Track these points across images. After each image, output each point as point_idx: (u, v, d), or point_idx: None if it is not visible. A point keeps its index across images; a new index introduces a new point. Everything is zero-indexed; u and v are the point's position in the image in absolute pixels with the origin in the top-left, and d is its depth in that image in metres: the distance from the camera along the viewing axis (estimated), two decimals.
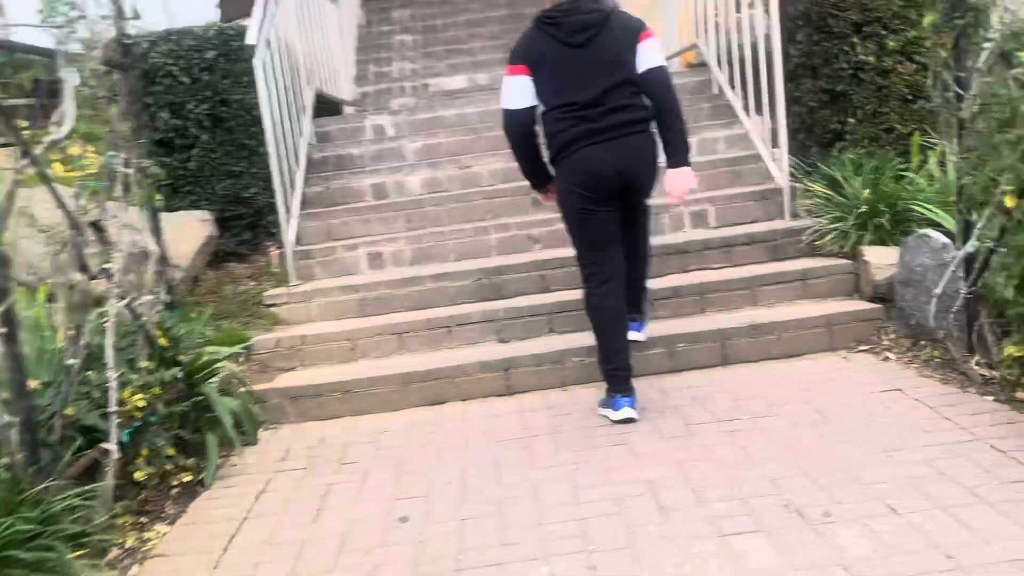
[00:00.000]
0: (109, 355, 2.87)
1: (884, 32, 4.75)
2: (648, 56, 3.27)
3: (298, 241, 4.93)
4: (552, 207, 3.70)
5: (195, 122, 4.75)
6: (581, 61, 3.22)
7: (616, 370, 3.39)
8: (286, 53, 5.28)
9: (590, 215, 3.32)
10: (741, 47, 5.12)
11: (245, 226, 4.96)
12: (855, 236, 4.19)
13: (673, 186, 3.35)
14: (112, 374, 2.85)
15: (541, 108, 3.33)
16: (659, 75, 3.28)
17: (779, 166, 4.73)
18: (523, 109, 3.31)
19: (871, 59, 4.79)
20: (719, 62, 5.57)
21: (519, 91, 3.30)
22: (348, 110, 7.47)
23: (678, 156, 3.33)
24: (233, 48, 4.85)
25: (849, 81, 4.88)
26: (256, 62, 4.53)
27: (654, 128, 3.35)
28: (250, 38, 4.51)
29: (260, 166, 4.93)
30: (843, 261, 4.21)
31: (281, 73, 5.03)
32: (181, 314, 3.97)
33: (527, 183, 3.63)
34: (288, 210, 4.78)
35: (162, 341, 3.23)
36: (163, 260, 3.38)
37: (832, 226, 4.30)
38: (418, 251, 4.87)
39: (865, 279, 4.04)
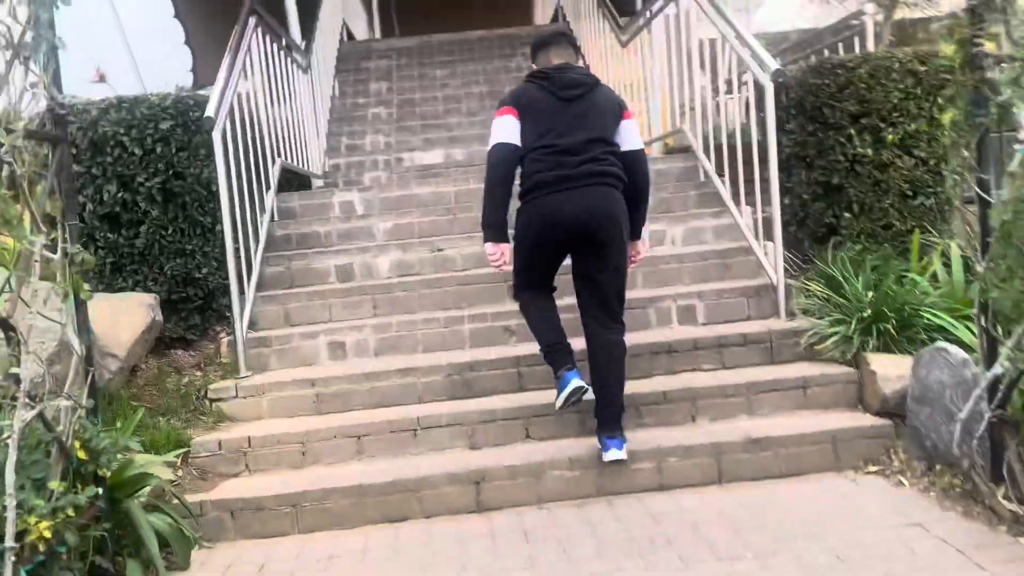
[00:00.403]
0: (9, 478, 2.42)
1: (882, 124, 4.52)
2: (632, 137, 3.51)
3: (252, 326, 4.51)
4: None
5: (146, 196, 4.35)
6: (568, 113, 3.40)
7: (556, 345, 3.51)
8: (251, 124, 4.96)
9: (543, 254, 3.50)
10: (733, 134, 4.88)
11: (194, 309, 4.53)
12: (858, 342, 3.85)
13: (632, 252, 3.67)
14: (11, 501, 2.39)
15: (522, 151, 3.42)
16: (642, 159, 3.53)
17: (772, 262, 4.42)
18: (511, 145, 3.41)
19: (868, 152, 4.56)
20: (706, 148, 5.34)
21: (508, 129, 3.42)
22: (317, 183, 7.14)
23: (638, 231, 3.65)
24: (192, 118, 4.49)
25: (845, 174, 4.64)
26: (215, 135, 4.18)
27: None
28: (209, 109, 4.16)
29: (215, 244, 4.53)
30: (845, 369, 3.86)
31: (243, 146, 4.69)
32: (112, 413, 3.52)
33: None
34: (243, 292, 4.38)
35: (80, 454, 2.77)
36: (88, 359, 2.95)
37: (832, 330, 3.97)
38: (384, 341, 4.47)
39: (871, 390, 3.70)
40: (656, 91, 6.89)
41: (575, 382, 3.38)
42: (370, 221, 5.37)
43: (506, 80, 8.95)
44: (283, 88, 6.03)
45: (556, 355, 3.49)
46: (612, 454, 3.38)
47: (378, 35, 12.14)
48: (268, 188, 5.20)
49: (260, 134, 5.21)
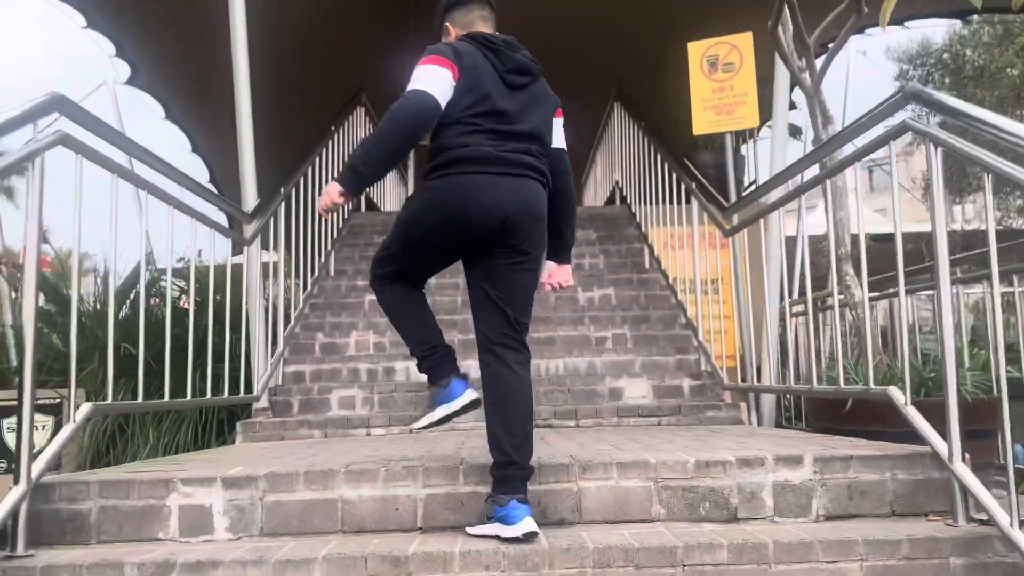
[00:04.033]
0: None
1: None
2: (560, 135, 2.41)
3: None
4: None
5: None
6: (513, 98, 2.25)
7: (439, 347, 2.32)
8: None
9: (444, 243, 2.24)
10: None
11: None
12: None
13: (560, 276, 2.50)
14: None
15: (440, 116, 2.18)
16: (566, 156, 2.42)
17: None
18: (436, 103, 2.14)
19: None
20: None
21: (440, 83, 2.15)
22: (260, 405, 4.00)
23: (566, 252, 2.49)
24: None
25: None
26: None
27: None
28: None
29: None
30: None
31: None
32: None
33: None
34: None
35: None
36: None
37: None
38: None
39: None
40: (772, 300, 3.78)
41: (469, 393, 2.26)
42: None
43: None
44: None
45: (441, 359, 2.30)
46: (525, 524, 1.99)
47: None
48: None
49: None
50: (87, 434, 4.86)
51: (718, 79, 5.52)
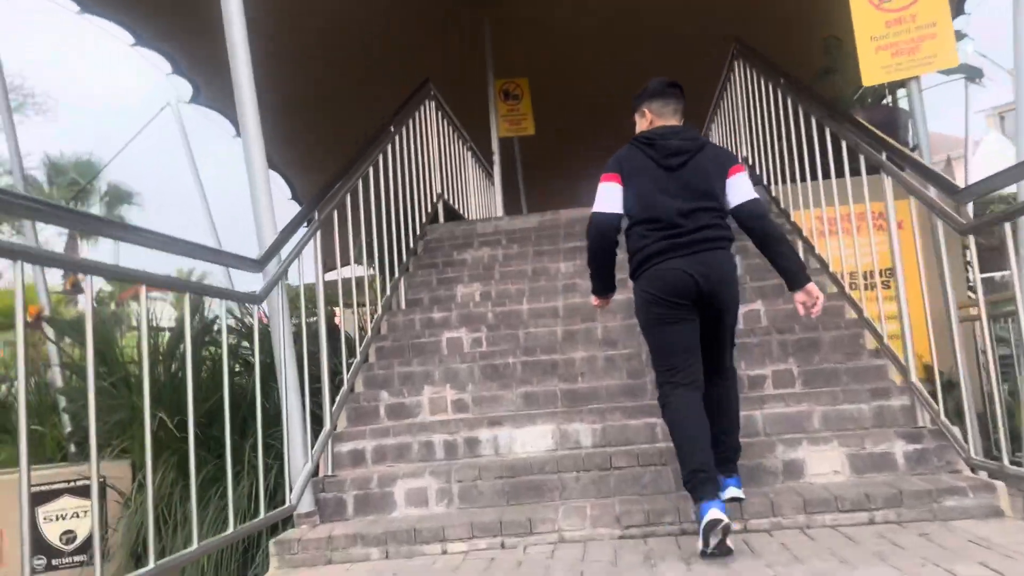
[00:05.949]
0: None
1: None
2: (741, 190, 2.74)
3: None
4: None
5: None
6: (673, 183, 2.72)
7: (697, 471, 2.50)
8: None
9: (669, 322, 2.68)
10: None
11: None
12: None
13: (806, 299, 2.72)
14: None
15: (626, 222, 2.79)
16: (753, 207, 2.75)
17: None
18: (613, 214, 2.78)
19: None
20: None
21: (611, 197, 2.78)
22: (299, 527, 2.90)
23: (798, 277, 2.73)
24: None
25: None
26: None
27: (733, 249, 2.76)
28: None
29: None
30: None
31: None
32: None
33: None
34: None
35: None
36: None
37: None
38: None
39: None
40: None
41: (713, 512, 2.38)
42: None
43: None
44: None
45: (699, 484, 2.48)
46: (729, 492, 2.75)
47: (500, 212, 8.16)
48: None
49: None
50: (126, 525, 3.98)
51: (892, 8, 3.96)
